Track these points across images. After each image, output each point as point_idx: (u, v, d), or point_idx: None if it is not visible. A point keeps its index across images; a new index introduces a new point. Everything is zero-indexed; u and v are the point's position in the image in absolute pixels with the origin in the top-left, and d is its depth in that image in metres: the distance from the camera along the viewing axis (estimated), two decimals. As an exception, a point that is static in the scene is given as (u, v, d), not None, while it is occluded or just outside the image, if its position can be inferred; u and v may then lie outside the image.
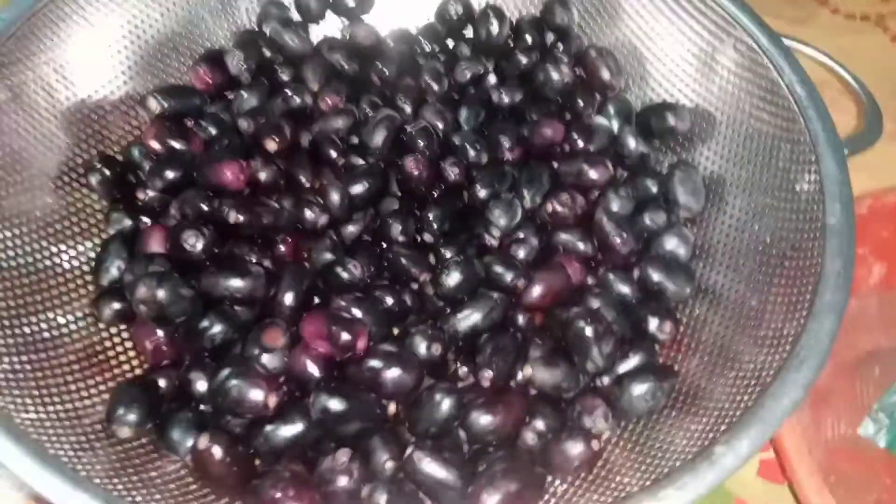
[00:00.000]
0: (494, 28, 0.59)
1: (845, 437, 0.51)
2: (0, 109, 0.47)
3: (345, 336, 0.42)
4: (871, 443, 0.50)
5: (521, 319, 0.49)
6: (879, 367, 0.53)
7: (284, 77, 0.58)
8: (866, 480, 0.49)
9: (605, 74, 0.57)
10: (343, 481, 0.39)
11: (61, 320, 0.46)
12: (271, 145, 0.50)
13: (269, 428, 0.40)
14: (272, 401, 0.40)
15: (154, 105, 0.52)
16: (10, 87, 0.48)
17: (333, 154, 0.52)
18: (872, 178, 0.55)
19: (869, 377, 0.53)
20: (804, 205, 0.44)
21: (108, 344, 0.47)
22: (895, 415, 0.50)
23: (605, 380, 0.45)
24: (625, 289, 0.49)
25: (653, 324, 0.47)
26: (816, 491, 0.42)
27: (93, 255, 0.50)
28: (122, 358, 0.47)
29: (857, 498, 0.47)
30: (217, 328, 0.43)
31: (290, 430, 0.40)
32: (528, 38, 0.60)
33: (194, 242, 0.44)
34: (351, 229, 0.51)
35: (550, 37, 0.61)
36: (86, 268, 0.50)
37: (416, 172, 0.52)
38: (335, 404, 0.40)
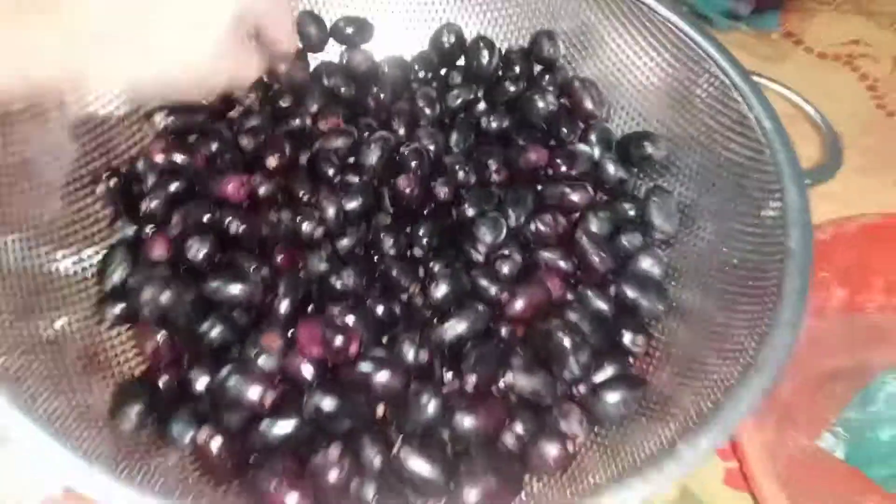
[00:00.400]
0: (485, 58, 0.63)
1: (806, 450, 0.54)
2: (15, 119, 0.50)
3: (338, 340, 0.44)
4: (830, 454, 0.53)
5: (503, 331, 0.52)
6: (840, 385, 0.57)
7: (284, 103, 0.61)
8: (824, 490, 0.52)
9: (589, 104, 0.61)
10: (334, 474, 0.41)
11: (64, 321, 0.48)
12: (272, 162, 0.53)
13: (264, 424, 0.43)
14: (268, 399, 0.42)
15: (160, 120, 0.55)
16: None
17: (330, 171, 0.56)
18: (841, 207, 0.59)
19: (830, 394, 0.56)
20: (768, 230, 0.48)
21: (108, 345, 0.50)
22: (852, 429, 0.53)
23: (581, 388, 0.48)
24: (601, 304, 0.52)
25: (627, 337, 0.50)
26: (774, 497, 0.45)
27: (94, 261, 0.52)
28: (122, 358, 0.50)
29: (814, 505, 0.51)
30: (217, 331, 0.46)
31: (284, 426, 0.43)
32: (517, 68, 0.64)
33: (197, 250, 0.47)
34: (345, 242, 0.54)
35: (537, 68, 0.65)
36: (88, 273, 0.52)
37: (408, 190, 0.55)
38: (327, 403, 0.43)
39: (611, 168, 0.58)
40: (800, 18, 0.88)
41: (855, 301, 0.57)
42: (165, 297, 0.44)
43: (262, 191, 0.53)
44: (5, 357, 0.41)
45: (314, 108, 0.59)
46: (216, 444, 0.41)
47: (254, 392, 0.42)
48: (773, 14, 0.88)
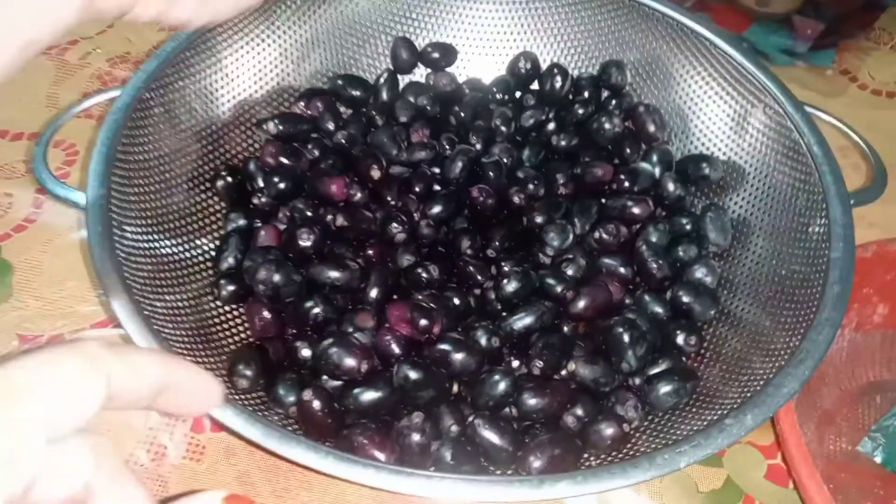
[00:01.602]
0: (558, 83, 0.69)
1: (845, 453, 0.58)
2: (154, 121, 0.58)
3: (424, 321, 0.51)
4: (868, 458, 0.57)
5: (566, 328, 0.58)
6: (881, 396, 0.61)
7: (379, 121, 0.68)
8: (861, 490, 0.55)
9: (651, 127, 0.67)
10: (416, 437, 0.47)
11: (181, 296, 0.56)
12: (375, 173, 0.60)
13: (357, 390, 0.49)
14: (364, 367, 0.49)
15: (272, 128, 0.63)
16: (164, 104, 0.59)
17: (417, 181, 0.63)
18: (884, 234, 0.63)
19: (870, 404, 0.60)
20: (814, 244, 0.53)
21: (215, 320, 0.57)
22: (890, 435, 0.56)
23: (637, 380, 0.54)
24: (658, 308, 0.57)
25: (680, 337, 0.55)
26: (817, 490, 0.49)
27: (207, 248, 0.60)
28: (232, 332, 0.57)
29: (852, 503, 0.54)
30: (319, 308, 0.53)
31: (374, 393, 0.49)
32: (586, 93, 0.70)
33: (307, 238, 0.54)
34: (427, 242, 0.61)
35: (605, 93, 0.71)
36: (201, 258, 0.59)
37: (480, 199, 0.61)
38: (414, 374, 0.49)
39: (670, 185, 0.63)
40: (855, 56, 0.93)
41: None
42: (278, 276, 0.52)
43: (358, 196, 0.60)
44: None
45: (404, 119, 0.66)
46: (318, 404, 0.48)
47: (351, 360, 0.48)
48: (828, 52, 0.92)
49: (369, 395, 0.49)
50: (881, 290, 0.59)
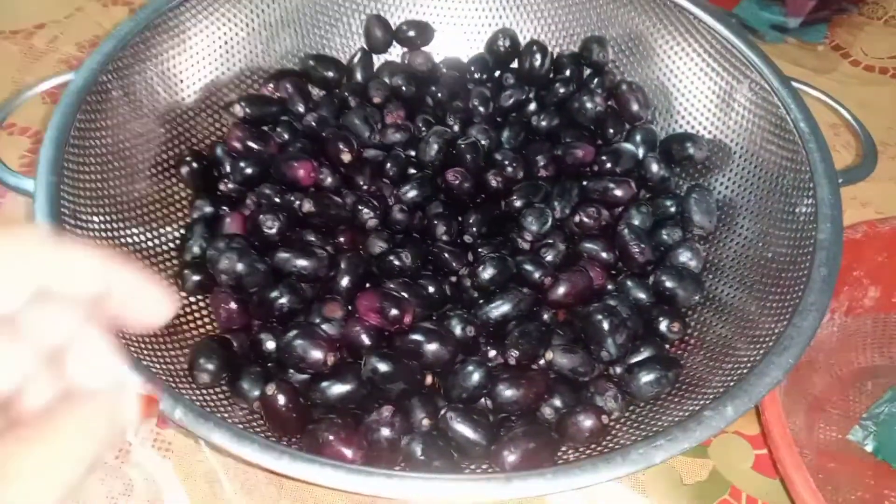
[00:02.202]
0: (537, 61, 0.67)
1: (835, 442, 0.56)
2: (113, 105, 0.55)
3: (394, 311, 0.49)
4: (859, 447, 0.55)
5: (545, 315, 0.55)
6: (872, 382, 0.59)
7: (352, 103, 0.66)
8: (852, 480, 0.54)
9: (634, 106, 0.65)
10: (386, 431, 0.45)
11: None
12: (346, 156, 0.58)
13: (325, 384, 0.47)
14: (330, 359, 0.47)
15: (239, 111, 0.61)
16: (123, 87, 0.56)
17: (391, 164, 0.60)
18: (874, 214, 0.61)
19: (861, 390, 0.58)
20: (801, 225, 0.50)
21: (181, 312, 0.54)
22: (881, 423, 0.54)
23: (617, 369, 0.52)
24: (640, 294, 0.55)
25: (663, 324, 0.53)
26: (804, 484, 0.47)
27: (172, 237, 0.58)
28: (197, 323, 0.55)
29: (842, 494, 0.52)
30: (285, 298, 0.50)
31: (342, 386, 0.47)
32: (567, 72, 0.67)
33: (271, 225, 0.52)
34: (401, 227, 0.58)
35: (587, 71, 0.69)
36: (166, 248, 0.57)
37: (455, 182, 0.59)
38: (383, 366, 0.47)
39: (654, 166, 0.61)
40: (847, 32, 0.90)
41: (888, 300, 0.59)
42: (241, 265, 0.49)
43: (328, 180, 0.58)
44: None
45: (378, 100, 0.64)
46: (282, 398, 0.45)
47: (318, 352, 0.46)
48: (820, 27, 0.90)
49: (336, 389, 0.47)
50: (872, 273, 0.57)
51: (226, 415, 0.47)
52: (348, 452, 0.44)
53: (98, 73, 0.53)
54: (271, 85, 0.64)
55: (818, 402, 0.57)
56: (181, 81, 0.61)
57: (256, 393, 0.47)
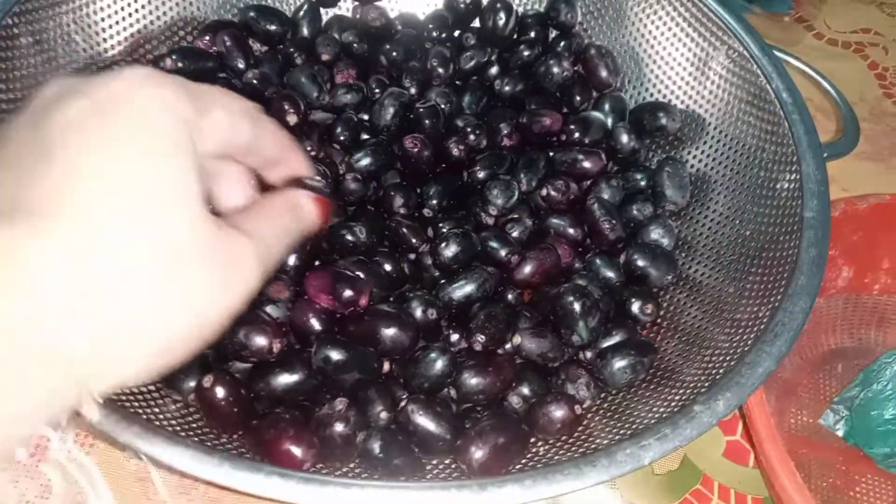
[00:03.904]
0: (501, 20, 0.62)
1: (806, 426, 0.54)
2: (22, 53, 0.48)
3: (348, 292, 0.44)
4: (830, 432, 0.53)
5: (510, 296, 0.51)
6: (842, 364, 0.57)
7: (298, 60, 0.60)
8: (823, 465, 0.52)
9: (604, 72, 0.61)
10: (339, 427, 0.40)
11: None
12: (292, 118, 0.52)
13: (271, 374, 0.42)
14: (276, 346, 0.41)
15: (170, 64, 0.54)
16: (33, 34, 0.49)
17: (342, 128, 0.55)
18: (841, 192, 0.59)
19: (832, 373, 0.57)
20: (784, 201, 0.47)
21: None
22: (853, 407, 0.53)
23: (589, 354, 0.48)
24: (610, 273, 0.51)
25: (635, 305, 0.50)
26: (789, 477, 0.44)
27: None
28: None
29: (813, 481, 0.51)
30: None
31: (290, 377, 0.42)
32: (532, 33, 0.63)
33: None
34: (354, 199, 0.53)
35: (553, 33, 0.64)
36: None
37: (414, 150, 0.54)
38: (336, 354, 0.42)
39: (624, 137, 0.57)
40: (812, 4, 0.88)
41: (861, 281, 0.57)
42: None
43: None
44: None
45: (326, 57, 0.58)
46: (220, 391, 0.40)
47: (261, 339, 0.41)
48: (785, -2, 0.87)
49: (283, 380, 0.42)
50: (847, 252, 0.55)
51: (157, 410, 0.41)
52: (297, 451, 0.39)
53: (1, 15, 0.46)
54: (207, 37, 0.58)
55: (788, 385, 0.55)
56: (103, 30, 0.54)
57: (192, 385, 0.42)
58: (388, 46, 0.61)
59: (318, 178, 0.50)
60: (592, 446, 0.42)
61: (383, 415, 0.42)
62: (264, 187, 0.36)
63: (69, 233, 0.23)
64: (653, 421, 0.40)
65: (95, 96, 0.26)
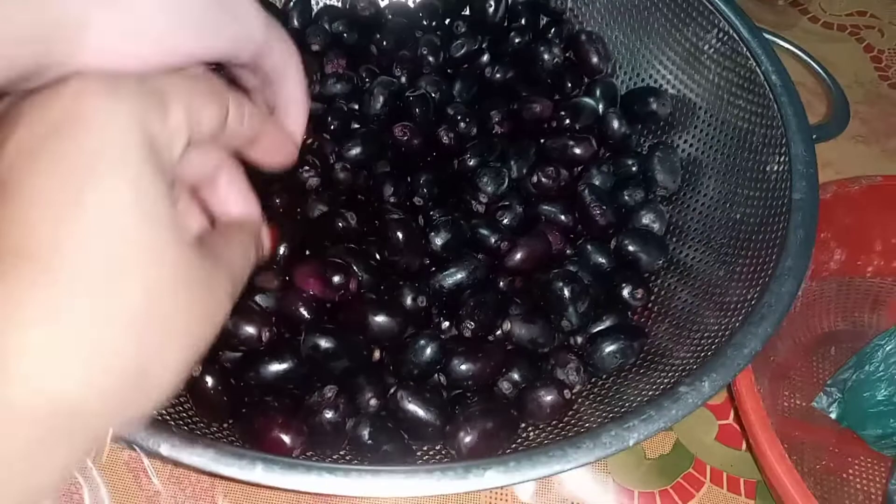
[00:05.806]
0: (491, 7, 0.62)
1: (800, 409, 0.54)
2: None
3: (337, 278, 0.44)
4: (824, 415, 0.53)
5: (502, 283, 0.51)
6: (835, 347, 0.57)
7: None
8: (816, 448, 0.52)
9: (594, 58, 0.60)
10: (329, 414, 0.41)
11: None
12: None
13: (260, 363, 0.42)
14: (265, 335, 0.42)
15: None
16: None
17: (332, 118, 0.55)
18: (836, 175, 0.59)
19: (825, 356, 0.56)
20: (773, 184, 0.47)
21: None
22: (846, 389, 0.53)
23: (579, 339, 0.48)
24: (601, 259, 0.51)
25: (626, 290, 0.50)
26: (780, 461, 0.44)
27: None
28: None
29: (807, 463, 0.51)
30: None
31: (279, 365, 0.42)
32: (523, 20, 0.63)
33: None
34: (344, 188, 0.53)
35: (544, 20, 0.64)
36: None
37: (404, 138, 0.54)
38: (325, 342, 0.42)
39: (615, 123, 0.57)
40: (807, -13, 0.87)
41: (853, 264, 0.57)
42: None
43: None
44: None
45: (317, 47, 0.58)
46: (210, 380, 0.41)
47: (251, 327, 0.41)
48: (780, -19, 0.87)
49: (273, 368, 0.42)
50: (839, 235, 0.54)
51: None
52: (287, 439, 0.40)
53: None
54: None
55: (781, 368, 0.55)
56: None
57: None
58: (378, 35, 0.61)
59: (307, 167, 0.51)
60: (582, 431, 0.42)
61: (373, 402, 0.42)
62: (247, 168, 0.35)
63: (47, 280, 0.21)
64: (636, 403, 0.40)
65: (47, 118, 0.22)
